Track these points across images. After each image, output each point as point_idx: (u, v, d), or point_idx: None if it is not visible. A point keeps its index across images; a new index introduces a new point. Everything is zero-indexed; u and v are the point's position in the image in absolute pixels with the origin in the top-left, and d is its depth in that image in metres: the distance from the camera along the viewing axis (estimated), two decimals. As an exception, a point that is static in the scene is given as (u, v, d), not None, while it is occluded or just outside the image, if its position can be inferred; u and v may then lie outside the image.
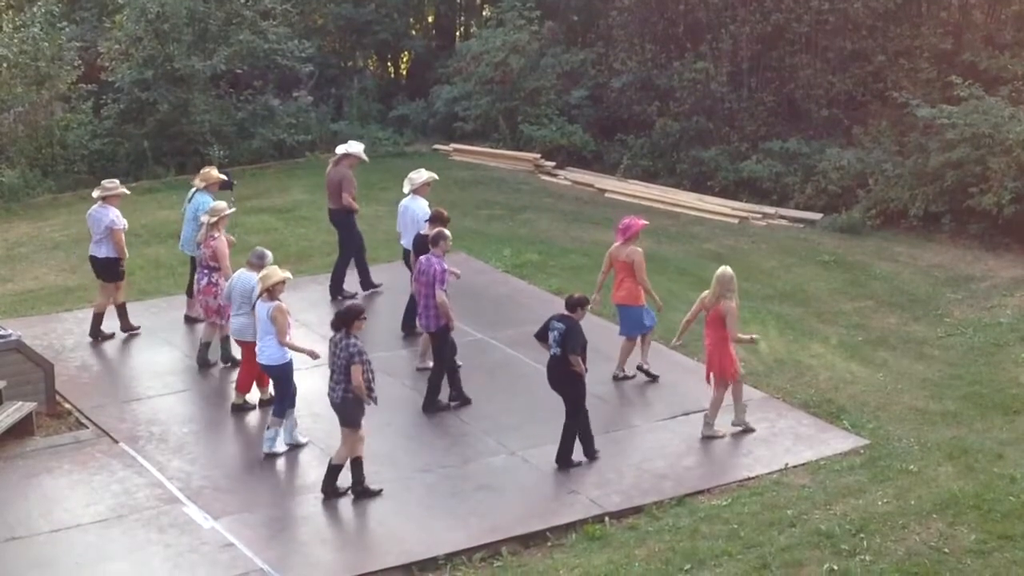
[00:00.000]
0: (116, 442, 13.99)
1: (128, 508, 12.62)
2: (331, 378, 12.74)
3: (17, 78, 24.20)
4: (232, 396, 14.93)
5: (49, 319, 17.48)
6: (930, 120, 22.07)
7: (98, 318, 16.68)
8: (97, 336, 16.65)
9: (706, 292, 14.17)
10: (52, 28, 24.72)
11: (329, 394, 12.81)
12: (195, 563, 11.71)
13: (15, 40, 24.07)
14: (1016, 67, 23.23)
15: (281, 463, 13.61)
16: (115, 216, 16.41)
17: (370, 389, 12.56)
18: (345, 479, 12.86)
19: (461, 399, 14.85)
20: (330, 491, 12.80)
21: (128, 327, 16.75)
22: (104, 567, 11.65)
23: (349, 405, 12.63)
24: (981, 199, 20.99)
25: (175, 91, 25.49)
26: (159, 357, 16.29)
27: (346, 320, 12.56)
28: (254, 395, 14.77)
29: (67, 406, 14.79)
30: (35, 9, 24.63)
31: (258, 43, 26.68)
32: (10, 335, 14.46)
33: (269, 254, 14.47)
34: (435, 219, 15.68)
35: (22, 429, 13.91)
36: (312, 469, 13.44)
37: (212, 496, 12.88)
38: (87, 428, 14.33)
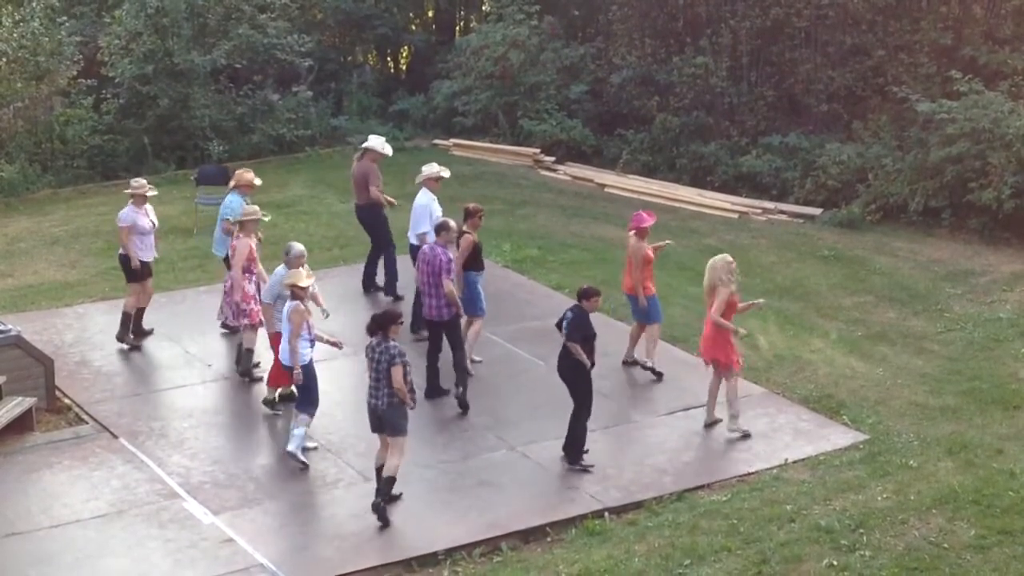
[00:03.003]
0: (116, 437, 14.00)
1: (128, 503, 12.63)
2: (373, 385, 12.39)
3: (16, 73, 24.16)
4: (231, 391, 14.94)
5: (49, 314, 17.47)
6: (930, 115, 22.04)
7: (136, 316, 16.41)
8: (140, 333, 16.42)
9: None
10: (51, 23, 24.69)
11: (371, 402, 12.44)
12: (195, 558, 11.72)
13: (14, 35, 24.04)
14: (1016, 62, 23.20)
15: (280, 459, 13.59)
16: (122, 213, 16.22)
17: (412, 391, 12.36)
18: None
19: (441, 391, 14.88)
20: (388, 501, 12.41)
21: (122, 337, 16.25)
22: (104, 562, 11.66)
23: (396, 411, 12.30)
24: (981, 194, 20.97)
25: (175, 86, 25.46)
26: (159, 352, 16.29)
27: (383, 324, 12.31)
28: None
29: (67, 401, 14.80)
30: (34, 4, 24.60)
31: (257, 38, 26.66)
32: (10, 330, 14.46)
33: (294, 248, 14.10)
34: (466, 214, 15.64)
35: (22, 424, 13.92)
36: (312, 464, 13.43)
37: (212, 491, 12.89)
38: (87, 423, 14.33)
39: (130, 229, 16.11)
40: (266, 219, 15.91)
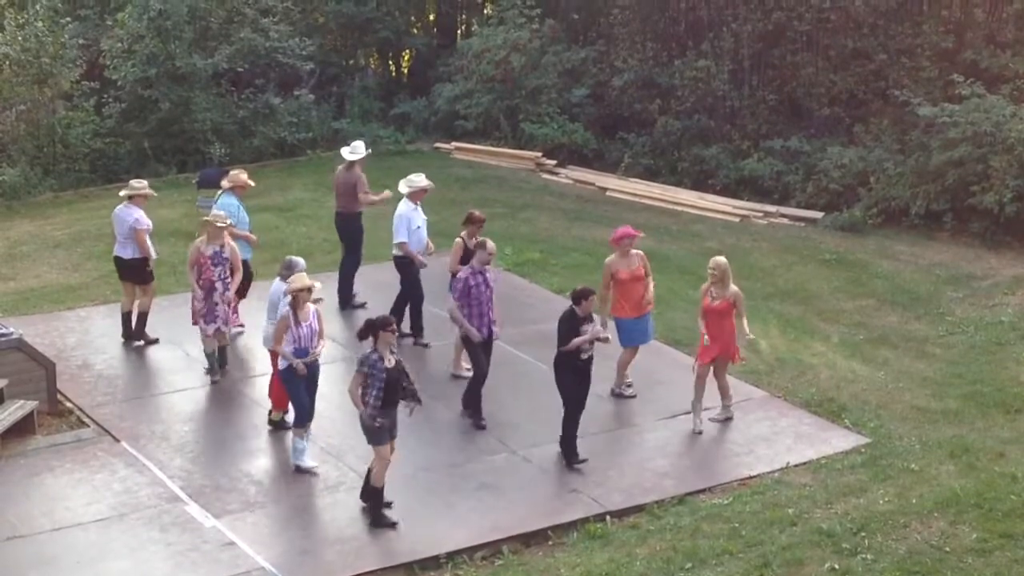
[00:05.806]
0: (117, 441, 13.99)
1: (129, 507, 12.62)
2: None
3: (19, 76, 24.21)
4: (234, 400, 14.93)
5: (51, 317, 17.48)
6: (931, 119, 22.07)
7: (127, 318, 16.47)
8: (129, 337, 16.43)
9: (705, 285, 14.25)
10: (55, 25, 24.74)
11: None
12: (196, 562, 11.71)
13: (18, 37, 24.08)
14: (1018, 65, 23.23)
15: (281, 463, 13.60)
16: (138, 216, 16.23)
17: (366, 403, 12.06)
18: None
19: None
20: (375, 508, 12.48)
21: (143, 336, 16.45)
22: (105, 566, 11.66)
23: (364, 421, 12.23)
24: (982, 197, 20.99)
25: (176, 89, 25.51)
26: (161, 355, 16.29)
27: (373, 330, 12.17)
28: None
29: (69, 405, 14.79)
30: (38, 7, 24.64)
31: (259, 41, 26.72)
32: (11, 333, 14.46)
33: (292, 261, 14.00)
34: (467, 221, 15.67)
35: (24, 428, 13.91)
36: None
37: (213, 495, 12.88)
38: (88, 427, 14.33)
39: (147, 230, 16.28)
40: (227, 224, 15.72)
